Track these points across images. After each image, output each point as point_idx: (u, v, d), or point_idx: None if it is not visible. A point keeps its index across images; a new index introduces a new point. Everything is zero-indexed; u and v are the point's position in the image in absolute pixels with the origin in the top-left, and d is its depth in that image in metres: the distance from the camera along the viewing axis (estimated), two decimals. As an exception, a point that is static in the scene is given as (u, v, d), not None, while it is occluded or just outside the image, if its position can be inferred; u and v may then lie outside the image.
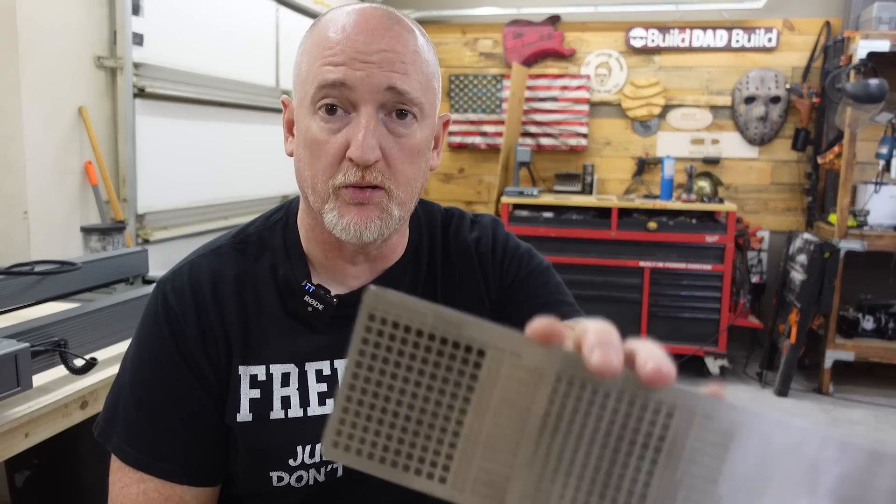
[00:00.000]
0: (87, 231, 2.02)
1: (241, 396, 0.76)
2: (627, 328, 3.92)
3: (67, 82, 2.27)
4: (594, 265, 3.95)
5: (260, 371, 0.77)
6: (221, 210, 3.10)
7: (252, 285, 0.79)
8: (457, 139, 4.69)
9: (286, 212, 0.85)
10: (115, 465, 0.76)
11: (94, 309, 1.45)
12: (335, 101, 0.71)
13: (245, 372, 0.76)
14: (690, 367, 3.92)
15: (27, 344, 1.19)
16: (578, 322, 0.40)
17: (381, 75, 0.69)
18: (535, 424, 0.36)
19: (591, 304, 3.94)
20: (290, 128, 0.80)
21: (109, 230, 2.01)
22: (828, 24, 4.14)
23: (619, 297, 3.94)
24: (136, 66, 2.51)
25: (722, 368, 3.89)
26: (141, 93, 2.53)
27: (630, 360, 0.35)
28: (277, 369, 0.77)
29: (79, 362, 1.35)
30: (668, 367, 0.34)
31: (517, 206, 4.07)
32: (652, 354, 0.35)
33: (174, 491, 0.75)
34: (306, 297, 0.78)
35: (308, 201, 0.77)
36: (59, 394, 1.30)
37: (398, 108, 0.72)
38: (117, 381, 0.79)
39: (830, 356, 3.69)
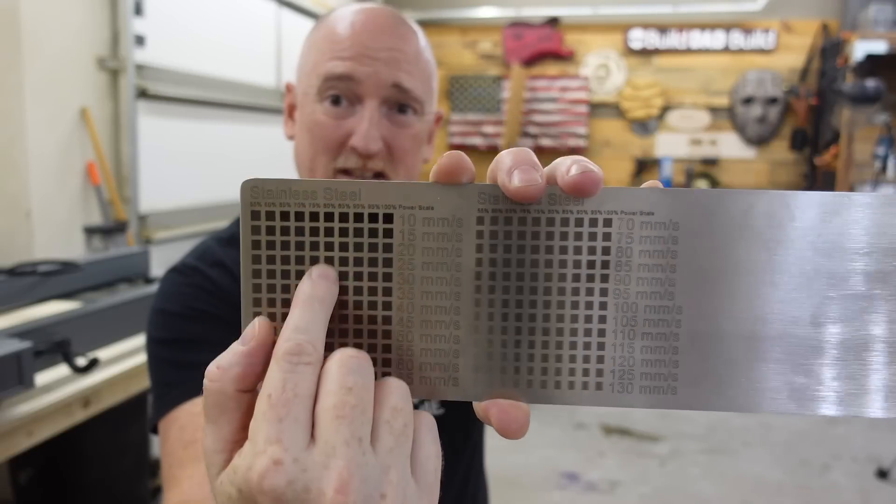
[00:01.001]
0: (90, 231, 2.03)
1: None
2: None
3: (70, 84, 2.29)
4: (593, 265, 3.96)
5: None
6: (223, 210, 3.11)
7: None
8: (457, 139, 4.70)
9: None
10: (160, 431, 0.70)
11: (96, 309, 1.47)
12: (340, 93, 0.74)
13: None
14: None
15: (30, 343, 1.20)
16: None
17: (387, 72, 0.73)
18: (468, 281, 0.31)
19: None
20: (290, 112, 0.83)
21: (112, 230, 2.02)
22: (825, 25, 4.16)
23: (617, 298, 3.95)
24: (138, 67, 2.52)
25: (720, 368, 3.90)
26: (143, 94, 2.55)
27: (552, 176, 0.32)
28: None
29: (81, 361, 1.36)
30: (592, 169, 0.30)
31: (516, 207, 4.08)
32: (573, 161, 0.31)
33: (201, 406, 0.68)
34: None
35: None
36: (61, 393, 1.31)
37: (400, 104, 0.75)
38: (150, 376, 0.75)
39: (828, 356, 3.70)
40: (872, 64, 3.52)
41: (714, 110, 4.40)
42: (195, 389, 0.68)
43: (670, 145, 4.46)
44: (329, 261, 0.31)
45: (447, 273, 0.31)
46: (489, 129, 4.64)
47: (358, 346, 0.32)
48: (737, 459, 2.94)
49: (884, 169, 3.58)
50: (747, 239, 0.31)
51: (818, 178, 4.21)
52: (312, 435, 0.27)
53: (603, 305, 0.31)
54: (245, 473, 0.27)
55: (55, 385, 1.33)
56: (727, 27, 4.30)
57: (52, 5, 2.18)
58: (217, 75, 2.97)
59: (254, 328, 0.30)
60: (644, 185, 0.32)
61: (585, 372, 0.32)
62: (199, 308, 0.74)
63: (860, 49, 3.52)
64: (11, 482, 1.73)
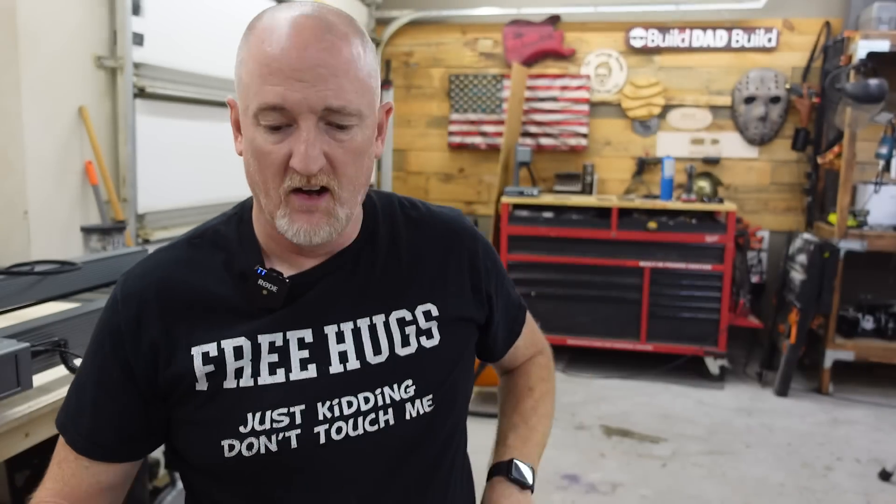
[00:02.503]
0: (88, 231, 2.01)
1: (197, 373, 0.80)
2: (627, 328, 3.93)
3: (68, 82, 2.27)
4: (594, 265, 3.95)
5: (212, 348, 0.81)
6: (221, 210, 3.09)
7: (203, 274, 0.84)
8: (457, 139, 4.69)
9: (241, 208, 0.91)
10: (59, 442, 0.87)
11: (94, 309, 1.45)
12: (276, 121, 0.75)
13: (197, 351, 0.81)
14: (690, 367, 3.92)
15: (27, 344, 1.19)
16: None
17: (316, 96, 0.73)
18: None
19: (592, 303, 3.94)
20: (237, 127, 0.83)
21: (110, 230, 2.01)
22: (828, 24, 4.14)
23: (619, 297, 3.94)
24: (137, 66, 2.51)
25: (722, 368, 3.89)
26: (141, 93, 2.53)
27: None
28: (229, 343, 0.81)
29: (79, 362, 1.35)
30: None
31: (517, 206, 4.07)
32: None
33: (79, 463, 0.84)
34: (260, 281, 0.83)
35: (260, 203, 0.82)
36: (59, 394, 1.29)
37: (337, 122, 0.76)
38: (77, 375, 0.89)
39: (830, 356, 3.69)
40: (875, 62, 3.51)
41: (715, 109, 4.39)
42: (75, 444, 0.84)
43: (671, 144, 4.45)
44: None
45: None
46: (489, 128, 4.62)
47: None
48: (738, 461, 2.93)
49: (887, 168, 3.57)
50: None
51: (821, 178, 4.20)
52: None
53: None
54: None
55: (53, 386, 1.31)
56: (729, 26, 4.28)
57: (49, 4, 2.17)
58: (216, 74, 2.95)
59: None
60: None
61: None
62: (107, 370, 0.84)
63: (863, 48, 3.50)
64: (8, 484, 1.72)
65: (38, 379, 1.27)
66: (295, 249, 0.84)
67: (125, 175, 2.49)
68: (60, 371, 1.34)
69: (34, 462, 1.72)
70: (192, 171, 2.90)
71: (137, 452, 0.86)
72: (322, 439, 0.80)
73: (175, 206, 2.81)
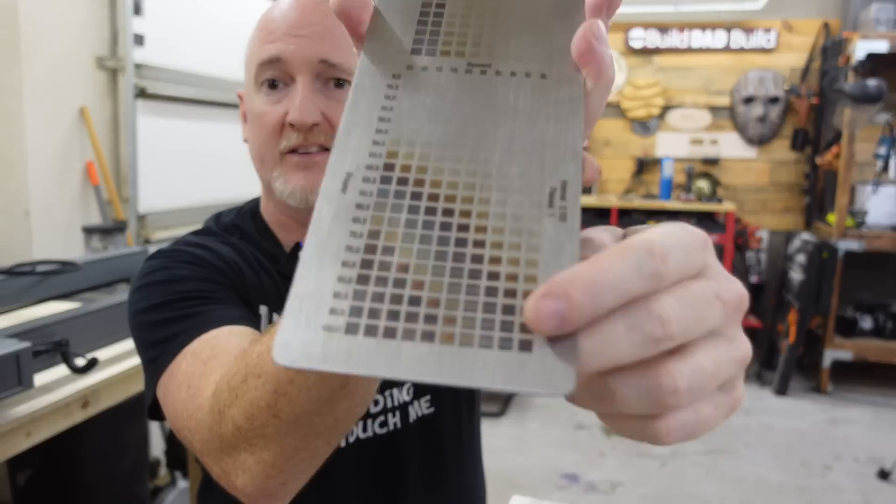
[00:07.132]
0: (89, 231, 2.02)
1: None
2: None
3: (69, 83, 2.28)
4: (593, 265, 3.95)
5: (264, 312, 0.80)
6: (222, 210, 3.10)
7: (244, 254, 0.83)
8: (456, 139, 4.69)
9: (254, 203, 0.91)
10: (161, 390, 0.65)
11: (95, 309, 1.46)
12: (274, 76, 0.75)
13: (265, 312, 0.79)
14: (689, 367, 3.92)
15: (29, 343, 1.19)
16: None
17: (311, 48, 0.73)
18: None
19: (591, 303, 3.94)
20: (245, 118, 0.84)
21: (111, 230, 2.01)
22: (826, 24, 4.15)
23: (618, 297, 3.94)
24: (138, 66, 2.51)
25: (721, 368, 3.89)
26: (142, 93, 2.54)
27: None
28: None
29: (80, 362, 1.36)
30: None
31: (517, 207, 4.07)
32: None
33: (213, 333, 0.65)
34: (300, 253, 0.81)
35: (262, 179, 0.82)
36: (60, 393, 1.30)
37: (335, 78, 0.75)
38: (139, 346, 0.71)
39: (829, 356, 3.70)
40: (874, 63, 3.51)
41: (715, 110, 4.40)
42: (199, 329, 0.64)
43: (671, 145, 4.46)
44: None
45: None
46: (489, 128, 4.62)
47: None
48: (737, 460, 2.94)
49: (885, 169, 3.58)
50: None
51: (819, 178, 4.20)
52: None
53: None
54: None
55: (54, 385, 1.32)
56: (728, 26, 4.29)
57: (51, 4, 2.17)
58: (217, 75, 2.96)
59: None
60: None
61: None
62: (183, 274, 0.73)
63: (861, 48, 3.51)
64: (10, 483, 1.73)
65: (40, 378, 1.28)
66: (304, 225, 0.83)
67: (126, 175, 2.50)
68: (62, 371, 1.35)
69: (35, 461, 1.73)
70: (193, 172, 2.90)
71: None
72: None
73: (176, 206, 2.81)
